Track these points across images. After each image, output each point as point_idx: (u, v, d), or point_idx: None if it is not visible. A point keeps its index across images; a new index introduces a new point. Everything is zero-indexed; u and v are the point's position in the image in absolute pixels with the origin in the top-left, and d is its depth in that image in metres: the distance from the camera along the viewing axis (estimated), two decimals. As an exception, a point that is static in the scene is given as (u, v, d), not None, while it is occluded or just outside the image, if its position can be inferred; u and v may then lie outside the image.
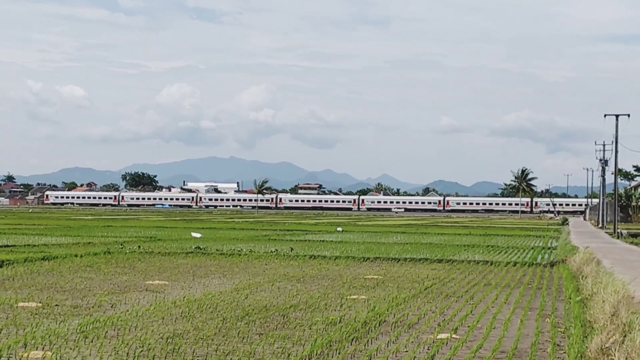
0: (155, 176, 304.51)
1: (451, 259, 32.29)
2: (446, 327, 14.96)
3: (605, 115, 75.77)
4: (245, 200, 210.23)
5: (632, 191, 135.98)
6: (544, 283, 23.98)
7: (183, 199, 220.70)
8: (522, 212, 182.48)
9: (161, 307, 16.82)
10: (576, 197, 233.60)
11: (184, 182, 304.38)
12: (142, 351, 12.25)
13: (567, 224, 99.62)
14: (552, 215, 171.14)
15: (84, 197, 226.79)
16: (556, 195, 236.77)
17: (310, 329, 14.56)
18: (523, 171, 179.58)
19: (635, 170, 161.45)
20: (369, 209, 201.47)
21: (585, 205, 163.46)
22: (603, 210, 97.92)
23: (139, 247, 35.68)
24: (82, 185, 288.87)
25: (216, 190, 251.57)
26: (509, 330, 14.77)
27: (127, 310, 16.35)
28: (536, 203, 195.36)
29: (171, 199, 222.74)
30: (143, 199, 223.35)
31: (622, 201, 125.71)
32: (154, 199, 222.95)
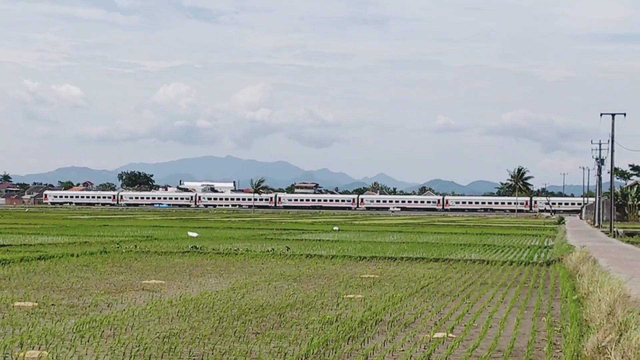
0: (152, 175, 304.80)
1: (447, 258, 32.29)
2: (443, 326, 14.96)
3: (601, 115, 75.90)
4: (244, 199, 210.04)
5: (629, 190, 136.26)
6: (540, 282, 23.99)
7: (182, 199, 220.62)
8: (521, 211, 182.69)
9: (157, 307, 16.81)
10: (572, 196, 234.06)
11: (180, 181, 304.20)
12: (138, 350, 12.24)
13: (564, 223, 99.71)
14: (549, 214, 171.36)
15: (82, 197, 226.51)
16: (552, 194, 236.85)
17: (306, 328, 14.56)
18: (519, 170, 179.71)
19: (631, 169, 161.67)
20: (368, 208, 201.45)
21: (582, 204, 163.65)
22: (599, 209, 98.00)
23: (136, 246, 35.66)
24: (78, 185, 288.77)
25: (212, 190, 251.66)
26: (506, 329, 14.78)
27: (124, 310, 16.34)
28: (535, 202, 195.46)
29: (170, 198, 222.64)
30: (142, 198, 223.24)
31: (619, 200, 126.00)
32: (153, 198, 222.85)
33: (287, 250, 34.41)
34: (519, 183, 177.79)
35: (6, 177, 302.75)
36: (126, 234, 49.21)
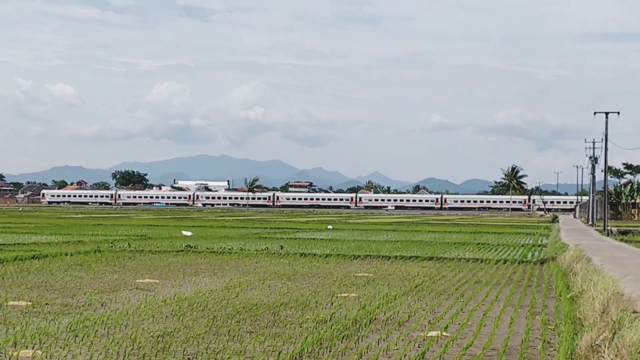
0: (146, 174, 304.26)
1: (442, 256, 32.31)
2: (437, 325, 14.97)
3: (595, 113, 76.08)
4: (242, 198, 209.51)
5: (622, 188, 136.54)
6: (534, 280, 24.02)
7: (179, 197, 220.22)
8: (520, 209, 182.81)
9: (151, 306, 16.80)
10: (566, 194, 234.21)
11: (174, 180, 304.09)
12: (132, 350, 12.24)
13: (557, 221, 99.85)
14: (542, 212, 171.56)
15: (80, 196, 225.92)
16: (546, 193, 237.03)
17: (300, 327, 14.56)
18: (513, 169, 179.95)
19: (625, 168, 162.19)
20: (366, 207, 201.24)
21: (575, 202, 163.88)
22: (593, 207, 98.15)
23: (130, 245, 35.62)
24: (72, 184, 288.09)
25: (207, 189, 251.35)
26: (500, 327, 14.79)
27: (118, 309, 16.32)
28: (533, 200, 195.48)
29: (168, 197, 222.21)
30: (139, 197, 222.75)
31: (612, 198, 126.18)
32: (151, 197, 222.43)
33: (281, 249, 34.39)
34: (513, 182, 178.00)
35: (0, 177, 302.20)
36: (120, 233, 49.16)
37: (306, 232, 54.78)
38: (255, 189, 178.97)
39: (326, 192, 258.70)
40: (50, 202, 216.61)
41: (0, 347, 12.20)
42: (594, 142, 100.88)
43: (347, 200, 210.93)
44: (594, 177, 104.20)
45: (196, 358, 11.82)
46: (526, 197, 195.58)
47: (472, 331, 14.34)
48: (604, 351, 11.25)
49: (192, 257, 30.75)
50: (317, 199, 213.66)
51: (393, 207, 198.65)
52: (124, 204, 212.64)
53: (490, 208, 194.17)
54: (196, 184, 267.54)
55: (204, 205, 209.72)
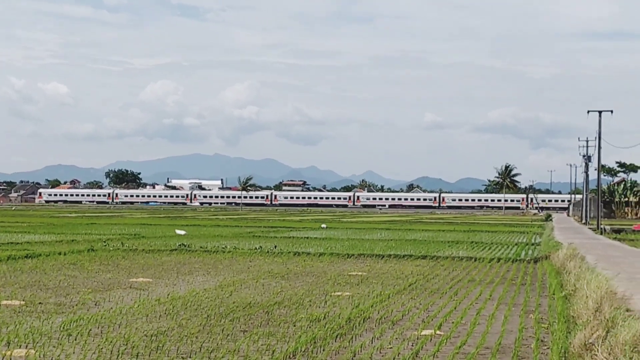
0: (139, 173, 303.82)
1: (435, 255, 32.31)
2: (430, 324, 14.97)
3: (588, 112, 76.12)
4: (239, 197, 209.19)
5: (615, 187, 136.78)
6: (527, 279, 24.04)
7: (177, 196, 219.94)
8: (517, 208, 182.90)
9: (145, 305, 16.78)
10: (560, 193, 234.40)
11: (167, 179, 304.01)
12: (125, 349, 12.22)
13: (551, 220, 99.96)
14: (536, 211, 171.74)
15: (77, 195, 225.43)
16: (540, 191, 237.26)
17: (294, 325, 14.56)
18: (507, 167, 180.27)
19: (618, 166, 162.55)
20: (364, 206, 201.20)
21: (569, 201, 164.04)
22: (586, 206, 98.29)
23: (123, 244, 35.58)
24: (65, 183, 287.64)
25: (200, 188, 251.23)
26: (493, 326, 14.80)
27: (111, 308, 16.30)
28: (531, 199, 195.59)
29: (164, 196, 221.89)
30: (136, 196, 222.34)
31: (605, 197, 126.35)
32: (148, 196, 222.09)
33: (275, 247, 34.38)
34: (506, 180, 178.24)
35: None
36: (114, 232, 49.09)
37: (300, 231, 54.76)
38: (249, 188, 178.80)
39: (323, 191, 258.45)
40: (47, 201, 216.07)
41: (-7, 347, 12.17)
42: (587, 141, 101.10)
43: (344, 199, 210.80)
44: (587, 175, 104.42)
45: (190, 357, 11.81)
46: (524, 195, 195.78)
47: (465, 330, 14.35)
48: (597, 350, 11.26)
49: (185, 256, 30.72)
50: (315, 198, 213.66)
51: (387, 206, 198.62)
52: (121, 202, 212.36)
53: (488, 207, 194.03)
54: (190, 183, 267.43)
55: (201, 204, 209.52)
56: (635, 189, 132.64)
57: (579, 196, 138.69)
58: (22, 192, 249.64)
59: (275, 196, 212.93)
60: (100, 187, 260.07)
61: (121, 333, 13.47)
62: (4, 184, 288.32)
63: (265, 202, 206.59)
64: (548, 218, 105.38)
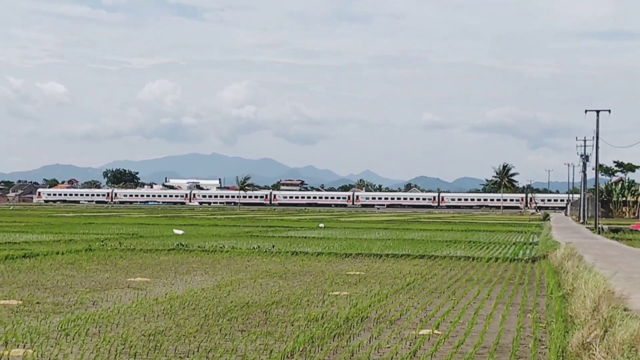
0: (137, 173, 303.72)
1: (433, 254, 32.32)
2: (428, 323, 14.98)
3: (586, 111, 76.13)
4: (238, 196, 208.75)
5: (613, 186, 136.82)
6: (525, 278, 24.05)
7: (176, 196, 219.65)
8: (517, 208, 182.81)
9: (143, 304, 16.78)
10: (557, 192, 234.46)
11: (165, 178, 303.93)
12: (123, 348, 12.22)
13: (549, 219, 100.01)
14: (534, 210, 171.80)
15: (77, 195, 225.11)
16: (537, 191, 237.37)
17: (292, 325, 14.56)
18: (504, 167, 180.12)
19: (616, 166, 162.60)
20: (363, 206, 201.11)
21: (567, 200, 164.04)
22: (584, 205, 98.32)
23: (121, 244, 35.57)
24: (63, 182, 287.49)
25: (198, 187, 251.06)
26: (491, 325, 14.81)
27: (109, 308, 16.30)
28: (531, 199, 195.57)
29: (164, 195, 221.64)
30: (136, 195, 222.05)
31: (603, 196, 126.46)
32: (147, 195, 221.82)
33: (273, 247, 34.38)
34: (504, 180, 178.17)
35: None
36: (111, 231, 49.08)
37: (298, 231, 54.76)
38: (246, 188, 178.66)
39: (322, 190, 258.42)
40: (46, 201, 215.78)
41: (-9, 346, 12.17)
42: (585, 140, 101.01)
43: (344, 198, 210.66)
44: (585, 175, 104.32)
45: (188, 357, 11.81)
46: (523, 195, 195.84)
47: (463, 329, 14.35)
48: (595, 349, 11.27)
49: (183, 255, 30.72)
50: (315, 197, 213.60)
51: (385, 206, 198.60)
52: (121, 202, 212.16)
53: (488, 206, 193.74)
54: (188, 183, 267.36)
55: (200, 203, 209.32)
56: (632, 188, 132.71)
57: (576, 196, 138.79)
58: (19, 191, 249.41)
59: (275, 196, 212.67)
60: (98, 187, 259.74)
61: (119, 333, 13.47)
62: (2, 184, 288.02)
63: (264, 202, 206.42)
64: (546, 217, 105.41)
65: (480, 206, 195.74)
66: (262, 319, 15.23)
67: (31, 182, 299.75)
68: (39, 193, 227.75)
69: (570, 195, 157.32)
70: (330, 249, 34.73)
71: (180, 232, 45.91)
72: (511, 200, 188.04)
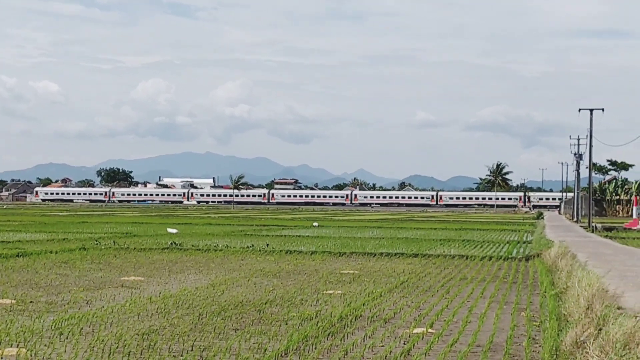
0: (131, 172, 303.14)
1: (427, 253, 32.33)
2: (422, 322, 14.98)
3: (579, 110, 76.18)
4: (236, 195, 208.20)
5: (607, 185, 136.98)
6: (519, 277, 24.07)
7: (174, 195, 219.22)
8: (515, 206, 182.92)
9: (137, 303, 16.76)
10: (551, 191, 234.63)
11: (159, 177, 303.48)
12: (117, 347, 12.20)
13: (542, 218, 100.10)
14: (527, 209, 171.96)
15: (74, 194, 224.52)
16: (531, 190, 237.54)
17: (286, 324, 14.56)
18: (498, 165, 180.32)
19: (609, 164, 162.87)
20: (361, 204, 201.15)
21: (560, 199, 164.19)
22: (578, 204, 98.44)
23: (114, 243, 35.53)
24: (57, 181, 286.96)
25: (192, 186, 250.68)
26: (485, 324, 14.82)
27: (103, 307, 16.28)
28: (529, 197, 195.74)
29: (162, 194, 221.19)
30: (134, 194, 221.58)
31: (597, 195, 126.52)
32: (145, 194, 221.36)
33: (267, 246, 34.38)
34: (498, 178, 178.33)
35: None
36: (105, 230, 49.01)
37: (292, 230, 54.75)
38: (240, 187, 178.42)
39: (315, 189, 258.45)
40: (44, 200, 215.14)
41: (-16, 346, 12.14)
42: (578, 139, 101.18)
43: (342, 197, 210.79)
44: (578, 173, 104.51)
45: (182, 355, 11.80)
46: (521, 194, 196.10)
47: (457, 328, 14.36)
48: (588, 347, 11.28)
49: (177, 254, 30.70)
50: (313, 196, 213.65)
51: (378, 205, 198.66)
52: (119, 201, 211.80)
53: (486, 205, 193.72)
54: (181, 182, 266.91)
55: (198, 202, 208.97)
56: (626, 187, 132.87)
57: (570, 194, 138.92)
58: (13, 190, 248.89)
59: (273, 195, 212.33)
60: (92, 186, 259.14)
61: (113, 332, 13.45)
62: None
63: (262, 201, 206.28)
64: (539, 216, 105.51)
65: (479, 205, 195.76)
66: (256, 317, 15.23)
67: (24, 181, 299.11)
68: (36, 192, 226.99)
69: (564, 194, 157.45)
70: (324, 247, 34.73)
71: (174, 231, 45.86)
72: (509, 199, 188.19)
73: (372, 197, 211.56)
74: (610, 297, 16.05)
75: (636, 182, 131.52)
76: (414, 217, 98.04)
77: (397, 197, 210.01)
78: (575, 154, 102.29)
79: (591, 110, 74.75)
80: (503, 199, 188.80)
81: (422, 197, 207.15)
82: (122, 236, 42.25)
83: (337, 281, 22.03)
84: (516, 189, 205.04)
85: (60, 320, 14.35)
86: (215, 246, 34.35)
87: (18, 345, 12.28)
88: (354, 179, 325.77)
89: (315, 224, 64.90)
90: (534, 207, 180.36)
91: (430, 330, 14.01)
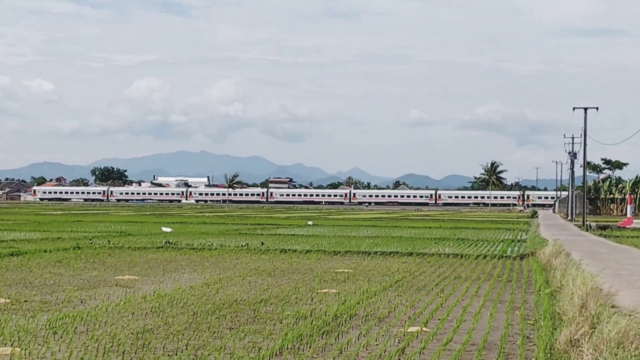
0: (125, 171, 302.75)
1: (421, 252, 32.36)
2: (416, 320, 14.99)
3: (574, 109, 76.21)
4: (235, 194, 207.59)
5: (601, 184, 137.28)
6: (513, 276, 24.10)
7: (173, 194, 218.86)
8: (514, 205, 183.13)
9: (131, 302, 16.75)
10: (545, 189, 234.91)
11: (154, 176, 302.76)
12: (112, 346, 12.19)
13: (537, 216, 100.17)
14: (522, 208, 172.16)
15: (72, 193, 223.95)
16: (525, 188, 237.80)
17: (281, 323, 14.55)
18: (492, 164, 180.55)
19: (603, 163, 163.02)
20: (360, 203, 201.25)
21: (554, 198, 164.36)
22: (572, 202, 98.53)
23: (109, 242, 35.49)
24: (51, 180, 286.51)
25: (186, 185, 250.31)
26: (479, 322, 14.83)
27: (97, 306, 16.26)
28: (528, 196, 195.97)
29: (160, 193, 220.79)
30: (132, 193, 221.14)
31: (591, 194, 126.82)
32: (143, 193, 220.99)
33: (262, 245, 34.37)
34: (492, 177, 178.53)
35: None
36: (99, 229, 48.96)
37: (286, 228, 54.75)
38: (235, 185, 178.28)
39: (307, 187, 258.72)
40: (41, 199, 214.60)
41: (-22, 345, 12.12)
42: (572, 138, 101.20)
43: (341, 196, 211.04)
44: (573, 172, 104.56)
45: (176, 354, 11.79)
46: (520, 192, 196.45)
47: (452, 326, 14.37)
48: (583, 346, 11.29)
49: (172, 253, 30.68)
50: (312, 195, 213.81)
51: (372, 203, 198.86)
52: (117, 200, 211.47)
53: (485, 204, 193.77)
54: (176, 181, 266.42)
55: (197, 201, 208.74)
56: (620, 185, 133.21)
57: (564, 193, 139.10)
58: (7, 189, 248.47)
59: (272, 193, 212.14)
60: (86, 185, 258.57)
61: (107, 331, 13.44)
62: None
63: (261, 200, 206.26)
64: (534, 215, 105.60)
65: (477, 204, 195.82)
66: (251, 316, 15.23)
67: (18, 180, 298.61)
68: (34, 191, 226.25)
69: (559, 193, 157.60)
70: (318, 246, 34.73)
71: (168, 230, 45.86)
72: (508, 197, 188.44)
73: (370, 195, 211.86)
74: (605, 296, 16.06)
75: (630, 180, 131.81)
76: (408, 216, 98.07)
77: (396, 196, 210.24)
78: (569, 153, 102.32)
79: (585, 109, 74.81)
80: (502, 197, 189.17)
81: (421, 196, 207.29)
82: (116, 235, 42.22)
83: (332, 280, 22.03)
84: (510, 187, 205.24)
85: (55, 320, 14.34)
86: (209, 245, 34.34)
87: (12, 344, 12.26)
88: (349, 177, 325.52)
89: (309, 222, 64.90)
90: (534, 205, 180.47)
91: (424, 328, 14.02)
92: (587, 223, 68.19)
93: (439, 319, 15.14)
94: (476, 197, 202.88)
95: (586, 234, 54.71)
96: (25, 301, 16.93)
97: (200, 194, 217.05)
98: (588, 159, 79.51)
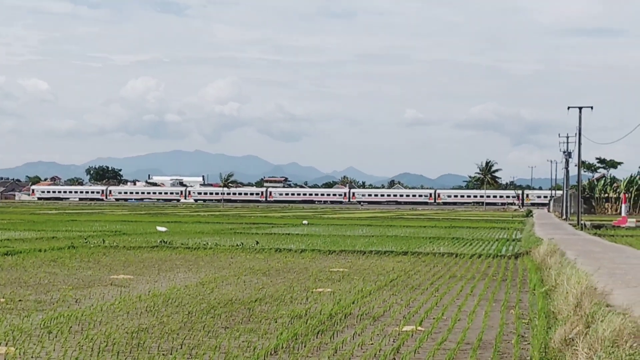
0: (120, 170, 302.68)
1: (416, 251, 32.37)
2: (411, 320, 14.99)
3: (568, 108, 76.32)
4: (234, 194, 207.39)
5: (596, 183, 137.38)
6: (508, 275, 24.12)
7: (171, 193, 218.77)
8: (513, 204, 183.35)
9: (126, 302, 16.73)
10: (540, 189, 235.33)
11: (148, 175, 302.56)
12: (106, 346, 12.18)
13: (532, 215, 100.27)
14: (516, 207, 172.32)
15: (71, 192, 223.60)
16: (520, 187, 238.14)
17: (275, 322, 14.55)
18: (487, 163, 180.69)
19: (598, 162, 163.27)
20: (359, 202, 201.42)
21: (549, 197, 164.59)
22: (567, 202, 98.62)
23: (104, 241, 35.45)
24: (45, 180, 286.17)
25: (181, 184, 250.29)
26: (474, 322, 14.84)
27: (92, 305, 16.24)
28: (527, 195, 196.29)
29: (159, 192, 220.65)
30: (131, 193, 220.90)
31: (586, 193, 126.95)
32: (142, 193, 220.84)
33: (257, 244, 34.36)
34: (487, 176, 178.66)
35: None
36: (94, 229, 48.91)
37: (281, 228, 54.73)
38: (230, 185, 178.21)
39: (302, 187, 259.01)
40: (40, 198, 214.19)
41: (-27, 344, 12.10)
42: (567, 137, 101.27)
43: (340, 195, 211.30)
44: (567, 171, 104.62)
45: (171, 354, 11.78)
46: (519, 191, 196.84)
47: (446, 326, 14.37)
48: (577, 345, 11.30)
49: (166, 252, 30.66)
50: (311, 194, 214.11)
51: (367, 202, 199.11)
52: (116, 199, 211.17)
53: (483, 203, 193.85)
54: (171, 180, 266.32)
55: (195, 200, 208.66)
56: (615, 184, 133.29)
57: (559, 192, 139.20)
58: (2, 189, 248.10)
59: (271, 192, 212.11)
60: (81, 184, 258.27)
61: (102, 330, 13.43)
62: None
63: (260, 199, 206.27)
64: (529, 214, 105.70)
65: (476, 202, 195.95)
66: (246, 315, 15.22)
67: (13, 179, 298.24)
68: (33, 190, 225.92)
69: (554, 192, 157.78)
70: (313, 245, 34.72)
71: (163, 229, 45.82)
72: (507, 197, 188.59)
73: (369, 195, 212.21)
74: (599, 295, 16.08)
75: (625, 180, 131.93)
76: (403, 215, 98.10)
77: (395, 195, 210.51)
78: (564, 152, 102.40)
79: (580, 108, 74.93)
80: (501, 196, 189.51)
81: (420, 195, 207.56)
82: (111, 234, 42.17)
83: (327, 279, 22.03)
84: (505, 186, 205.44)
85: (49, 319, 14.32)
86: (204, 244, 34.33)
87: (7, 344, 12.25)
88: (344, 177, 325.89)
89: (304, 222, 64.90)
90: (532, 205, 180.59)
91: (419, 328, 14.03)
92: (582, 222, 68.27)
93: (433, 318, 15.14)
94: (475, 197, 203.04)
95: (581, 233, 54.79)
96: (20, 300, 16.91)
97: (199, 193, 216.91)
98: (583, 158, 79.71)
